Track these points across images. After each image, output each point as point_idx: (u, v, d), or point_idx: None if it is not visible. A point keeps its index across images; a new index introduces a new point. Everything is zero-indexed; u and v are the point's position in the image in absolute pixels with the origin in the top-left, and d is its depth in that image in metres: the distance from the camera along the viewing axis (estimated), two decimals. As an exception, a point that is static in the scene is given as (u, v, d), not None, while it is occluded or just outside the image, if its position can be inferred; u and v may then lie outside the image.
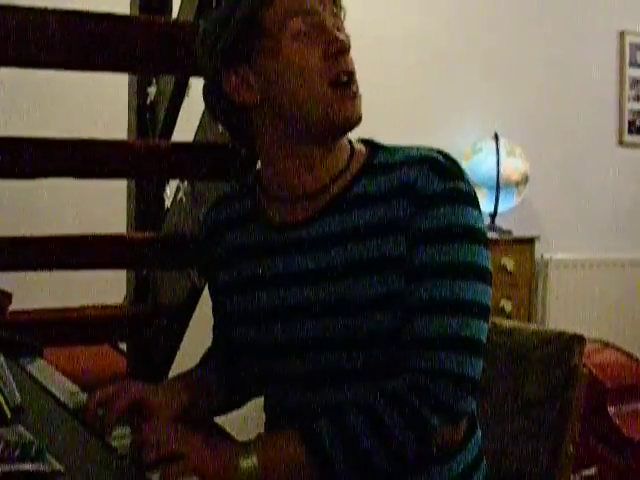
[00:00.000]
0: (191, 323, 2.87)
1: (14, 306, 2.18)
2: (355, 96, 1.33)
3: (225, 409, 1.59)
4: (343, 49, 1.32)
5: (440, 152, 1.35)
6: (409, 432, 1.22)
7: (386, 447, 1.22)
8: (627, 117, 4.97)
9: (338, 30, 1.34)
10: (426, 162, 1.32)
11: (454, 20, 4.46)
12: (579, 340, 1.55)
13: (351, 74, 1.33)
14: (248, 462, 1.17)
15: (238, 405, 1.61)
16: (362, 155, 1.41)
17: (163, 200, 2.80)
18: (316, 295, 1.34)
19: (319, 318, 1.33)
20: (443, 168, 1.31)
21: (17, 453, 1.07)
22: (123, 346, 3.16)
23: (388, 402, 1.23)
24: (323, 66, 1.31)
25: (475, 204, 1.33)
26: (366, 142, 1.45)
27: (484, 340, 1.29)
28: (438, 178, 1.30)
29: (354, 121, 1.34)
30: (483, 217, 1.34)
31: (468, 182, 1.33)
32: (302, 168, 1.37)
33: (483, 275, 1.30)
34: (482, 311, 1.29)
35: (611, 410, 3.11)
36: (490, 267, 1.32)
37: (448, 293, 1.27)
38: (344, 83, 1.32)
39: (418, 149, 1.36)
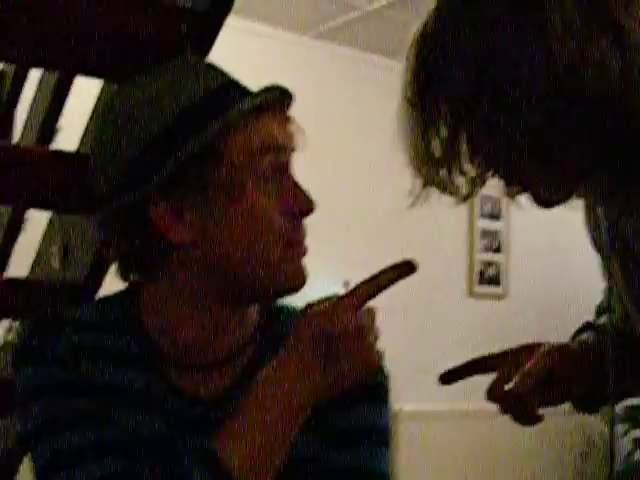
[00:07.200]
0: None
1: None
2: (305, 254, 1.16)
3: None
4: (310, 211, 1.14)
5: None
6: None
7: None
8: (477, 268, 5.05)
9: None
10: None
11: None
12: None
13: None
14: None
15: None
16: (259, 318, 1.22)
17: (-8, 340, 2.63)
18: None
19: None
20: None
21: None
22: None
23: None
24: (282, 223, 1.12)
25: (388, 399, 1.24)
26: None
27: None
28: None
29: (302, 284, 1.16)
30: None
31: (384, 371, 1.23)
32: (213, 328, 1.15)
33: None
34: None
35: None
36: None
37: None
38: (297, 242, 1.15)
39: None
